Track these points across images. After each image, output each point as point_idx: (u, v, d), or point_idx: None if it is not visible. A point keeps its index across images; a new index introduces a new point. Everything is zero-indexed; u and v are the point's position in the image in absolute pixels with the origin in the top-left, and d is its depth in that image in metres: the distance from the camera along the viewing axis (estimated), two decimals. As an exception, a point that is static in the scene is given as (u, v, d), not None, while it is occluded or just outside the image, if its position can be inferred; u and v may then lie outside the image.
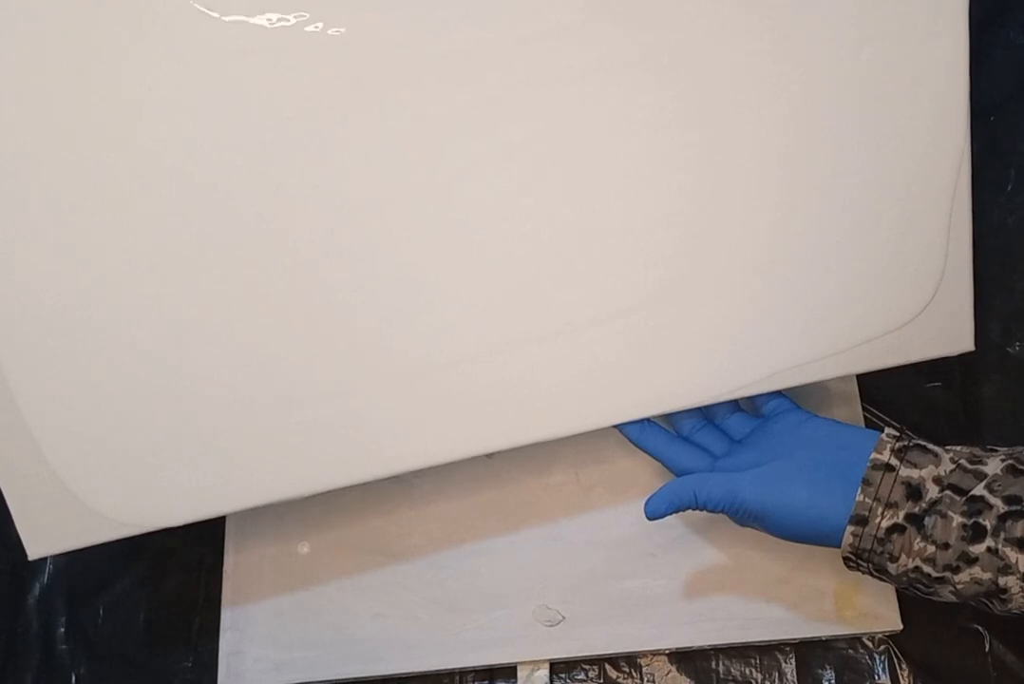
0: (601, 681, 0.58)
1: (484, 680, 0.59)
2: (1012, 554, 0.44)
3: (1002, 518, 0.44)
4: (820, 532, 0.48)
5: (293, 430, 0.49)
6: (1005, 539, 0.44)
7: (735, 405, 0.55)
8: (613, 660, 0.59)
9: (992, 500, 0.45)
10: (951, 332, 0.53)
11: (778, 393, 0.54)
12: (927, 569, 0.46)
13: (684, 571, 0.58)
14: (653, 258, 0.51)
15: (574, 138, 0.50)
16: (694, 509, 0.51)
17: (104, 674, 0.58)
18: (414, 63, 0.49)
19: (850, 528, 0.47)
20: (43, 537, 0.49)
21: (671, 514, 0.51)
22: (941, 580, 0.46)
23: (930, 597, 0.48)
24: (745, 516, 0.50)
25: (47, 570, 0.61)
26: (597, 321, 0.51)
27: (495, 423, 0.51)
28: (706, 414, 0.55)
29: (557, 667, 0.58)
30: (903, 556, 0.46)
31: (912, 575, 0.46)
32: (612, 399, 0.52)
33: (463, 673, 0.59)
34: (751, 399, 0.54)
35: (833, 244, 0.52)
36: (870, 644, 0.58)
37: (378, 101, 0.49)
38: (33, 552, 0.49)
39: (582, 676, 0.59)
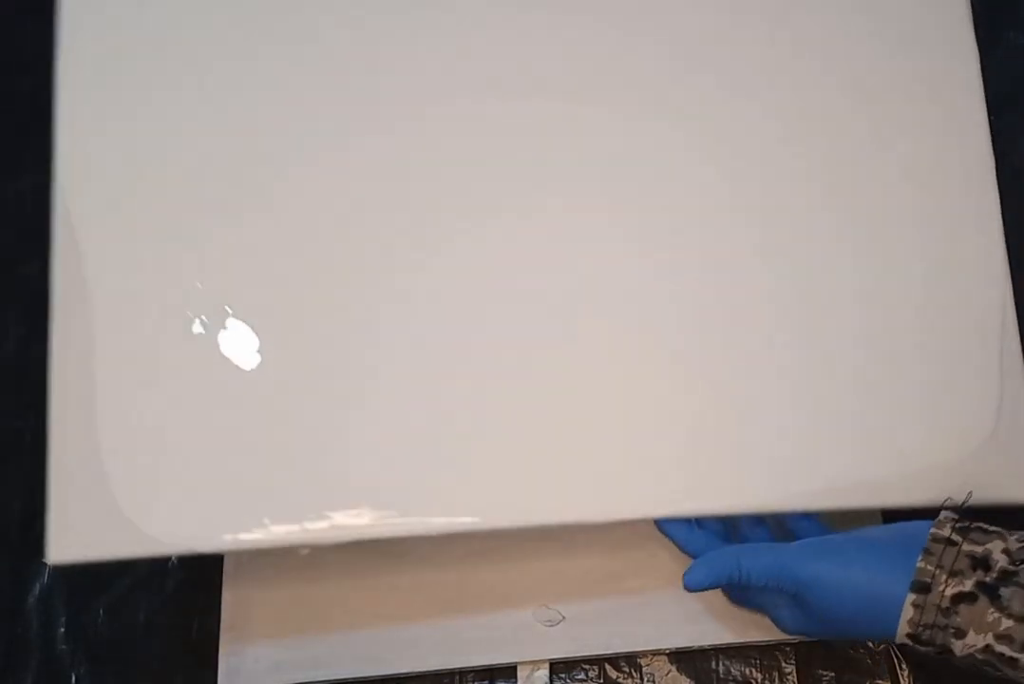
0: (601, 681, 0.58)
1: (484, 680, 0.59)
2: None
3: None
4: (874, 609, 0.43)
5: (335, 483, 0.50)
6: None
7: (758, 520, 0.52)
8: (613, 660, 0.59)
9: None
10: (1015, 475, 0.50)
11: (810, 515, 0.50)
12: (1001, 648, 0.40)
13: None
14: (689, 368, 0.52)
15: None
16: (735, 581, 0.47)
17: (104, 674, 0.58)
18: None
19: (911, 597, 0.42)
20: (73, 542, 0.48)
21: (712, 587, 0.47)
22: (1015, 663, 0.40)
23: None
24: (791, 587, 0.45)
25: (47, 570, 0.61)
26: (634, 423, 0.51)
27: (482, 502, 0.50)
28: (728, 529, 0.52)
29: (557, 667, 0.58)
30: (971, 632, 0.41)
31: (981, 656, 0.41)
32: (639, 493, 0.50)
33: (463, 673, 0.59)
34: (779, 522, 0.52)
35: (880, 369, 0.52)
36: (870, 644, 0.58)
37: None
38: (56, 556, 0.47)
39: (582, 676, 0.59)
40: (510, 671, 0.58)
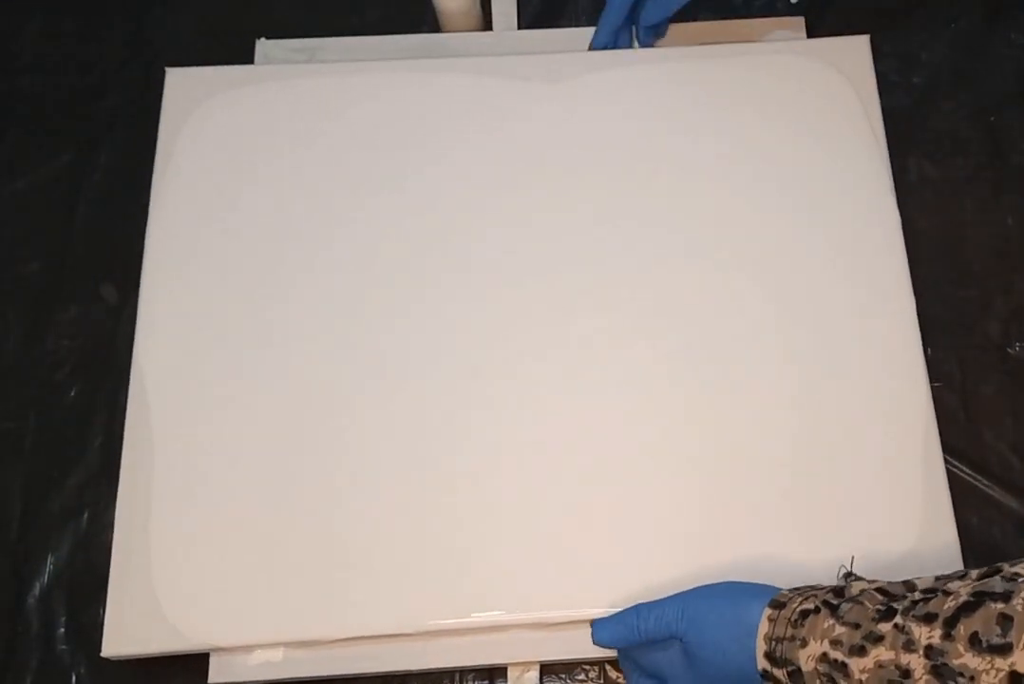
0: (601, 681, 0.59)
1: (483, 680, 0.59)
2: (917, 629, 0.42)
3: (914, 602, 0.43)
4: (737, 631, 0.47)
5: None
6: (913, 616, 0.43)
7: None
8: (613, 661, 0.59)
9: (909, 594, 0.44)
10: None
11: None
12: (834, 654, 0.44)
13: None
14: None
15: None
16: (638, 631, 0.51)
17: (104, 674, 0.58)
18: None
19: (767, 611, 0.47)
20: (122, 639, 0.56)
21: (619, 643, 0.53)
22: (846, 670, 0.43)
23: None
24: (677, 627, 0.50)
25: (47, 570, 0.61)
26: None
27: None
28: None
29: (557, 667, 0.58)
30: (812, 641, 0.45)
31: (822, 669, 0.44)
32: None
33: (463, 672, 0.59)
34: None
35: (807, 479, 0.59)
36: None
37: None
38: (108, 650, 0.56)
39: (582, 676, 0.59)
40: (510, 671, 0.58)
